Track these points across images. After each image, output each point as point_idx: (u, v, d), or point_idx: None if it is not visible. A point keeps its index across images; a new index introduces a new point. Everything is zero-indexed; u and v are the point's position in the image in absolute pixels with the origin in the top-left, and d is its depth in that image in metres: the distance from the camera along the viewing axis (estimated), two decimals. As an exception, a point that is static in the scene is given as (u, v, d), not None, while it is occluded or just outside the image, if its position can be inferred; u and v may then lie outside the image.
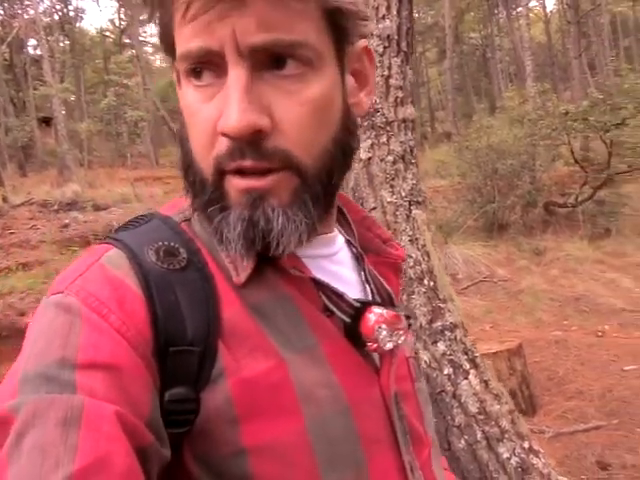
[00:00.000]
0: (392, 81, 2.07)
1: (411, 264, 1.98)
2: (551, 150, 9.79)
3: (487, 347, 3.78)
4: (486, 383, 1.93)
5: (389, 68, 2.07)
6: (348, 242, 0.64)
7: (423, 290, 1.96)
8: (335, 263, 0.60)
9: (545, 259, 8.23)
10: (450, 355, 1.92)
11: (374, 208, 2.04)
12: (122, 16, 26.94)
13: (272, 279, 0.54)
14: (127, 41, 25.06)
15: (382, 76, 2.07)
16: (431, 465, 0.61)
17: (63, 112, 20.55)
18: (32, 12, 22.37)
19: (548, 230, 9.40)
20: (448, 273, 7.70)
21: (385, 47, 2.07)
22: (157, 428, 0.44)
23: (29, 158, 21.97)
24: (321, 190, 0.52)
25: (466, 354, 1.94)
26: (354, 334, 0.55)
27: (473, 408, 1.89)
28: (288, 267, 0.53)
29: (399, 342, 0.57)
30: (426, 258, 2.01)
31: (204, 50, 0.48)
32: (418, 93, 28.16)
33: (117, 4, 27.02)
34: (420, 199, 2.09)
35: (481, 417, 1.88)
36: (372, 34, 2.06)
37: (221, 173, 0.50)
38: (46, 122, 21.73)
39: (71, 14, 26.15)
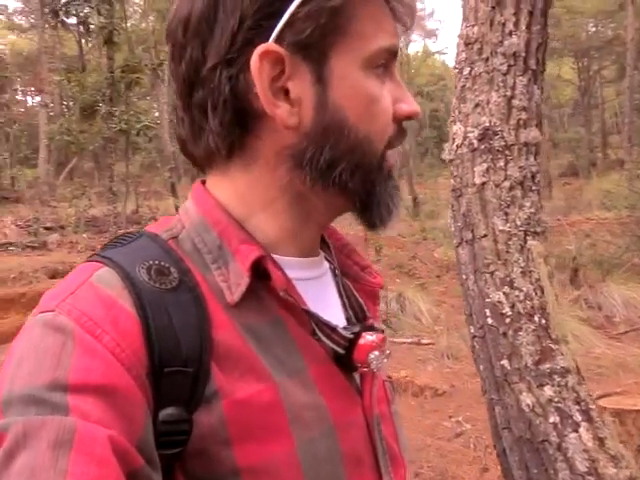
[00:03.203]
0: (515, 102, 1.94)
1: (521, 298, 1.83)
2: None
3: (632, 402, 3.34)
4: (601, 441, 1.71)
5: (512, 88, 1.94)
6: (326, 259, 0.66)
7: (532, 327, 1.80)
8: (322, 285, 0.62)
9: None
10: (558, 402, 1.73)
11: (484, 236, 1.93)
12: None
13: (264, 299, 0.55)
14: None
15: (504, 96, 1.95)
16: None
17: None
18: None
19: None
20: (603, 315, 6.95)
21: (510, 65, 1.95)
22: (148, 451, 0.44)
23: (201, 172, 24.22)
24: None
25: (578, 404, 1.73)
26: (346, 360, 0.57)
27: (582, 466, 1.68)
28: (279, 289, 0.53)
29: (385, 361, 0.58)
30: (539, 293, 1.84)
31: (396, 49, 0.58)
32: (590, 116, 26.02)
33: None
34: (538, 229, 1.92)
35: (591, 478, 1.66)
36: (495, 52, 1.97)
37: (385, 152, 0.58)
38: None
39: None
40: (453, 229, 2.08)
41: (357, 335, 0.57)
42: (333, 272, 0.65)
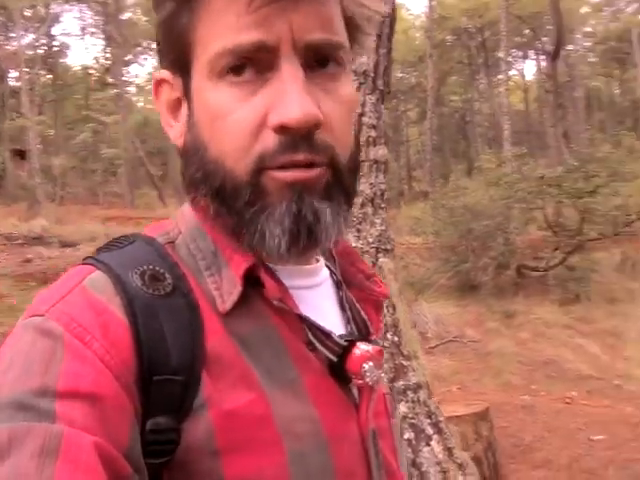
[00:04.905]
0: (365, 119, 1.97)
1: (374, 315, 1.83)
2: (525, 213, 9.91)
3: (452, 409, 3.60)
4: (450, 451, 1.76)
5: (363, 105, 1.97)
6: (328, 268, 0.63)
7: (385, 345, 1.80)
8: (319, 295, 0.60)
9: (515, 322, 8.18)
10: (412, 418, 1.75)
11: (338, 252, 1.90)
12: (107, 55, 27.06)
13: (258, 307, 0.54)
14: (111, 80, 25.12)
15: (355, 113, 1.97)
16: None
17: (39, 146, 20.31)
18: (15, 44, 22.43)
19: (519, 293, 9.39)
20: (417, 331, 7.56)
21: (360, 83, 1.98)
22: (136, 459, 0.44)
23: (-1, 190, 21.56)
24: (350, 188, 0.54)
25: (429, 418, 1.77)
26: (339, 370, 0.55)
27: (435, 479, 1.70)
28: (273, 298, 0.53)
29: (382, 376, 0.57)
30: (391, 310, 1.86)
31: (259, 44, 0.48)
32: (398, 151, 28.74)
33: (103, 42, 27.23)
34: (389, 247, 1.96)
35: (443, 490, 1.70)
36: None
37: (260, 171, 0.50)
38: (20, 155, 21.43)
39: (56, 49, 26.23)
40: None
41: (351, 344, 0.55)
42: (336, 284, 0.63)
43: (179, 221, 0.58)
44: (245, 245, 0.52)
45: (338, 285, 0.63)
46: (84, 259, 0.53)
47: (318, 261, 0.61)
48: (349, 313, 0.61)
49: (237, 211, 0.51)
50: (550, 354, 6.81)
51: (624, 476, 3.52)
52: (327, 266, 0.63)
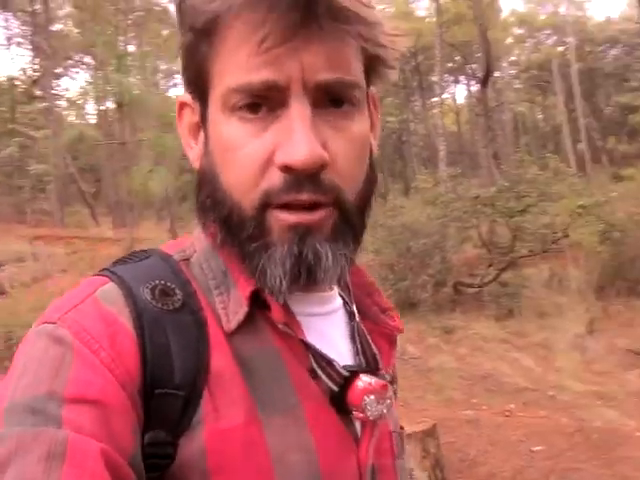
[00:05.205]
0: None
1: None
2: (461, 232, 10.24)
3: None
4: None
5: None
6: (342, 298, 0.62)
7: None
8: (329, 323, 0.59)
9: (454, 337, 8.39)
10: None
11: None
12: (35, 66, 26.01)
13: (263, 330, 0.54)
14: (39, 93, 24.14)
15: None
16: None
17: (-40, 160, 19.15)
18: None
19: (457, 309, 9.66)
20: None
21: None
22: (139, 468, 0.44)
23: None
24: (358, 226, 0.54)
25: (390, 438, 1.76)
26: (339, 401, 0.54)
27: (396, 501, 1.69)
28: (278, 321, 0.53)
29: (384, 412, 0.55)
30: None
31: (269, 83, 0.48)
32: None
33: (30, 53, 26.18)
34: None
35: (405, 511, 1.68)
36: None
37: (265, 208, 0.50)
38: (-61, 169, 20.13)
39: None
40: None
41: (354, 375, 0.54)
42: (349, 315, 0.62)
43: (195, 240, 0.59)
44: (249, 273, 0.53)
45: (351, 316, 0.62)
46: (100, 270, 0.54)
47: (332, 289, 0.60)
48: (359, 345, 0.60)
49: (241, 242, 0.52)
50: (488, 368, 7.03)
51: (564, 485, 3.65)
52: (341, 296, 0.62)
